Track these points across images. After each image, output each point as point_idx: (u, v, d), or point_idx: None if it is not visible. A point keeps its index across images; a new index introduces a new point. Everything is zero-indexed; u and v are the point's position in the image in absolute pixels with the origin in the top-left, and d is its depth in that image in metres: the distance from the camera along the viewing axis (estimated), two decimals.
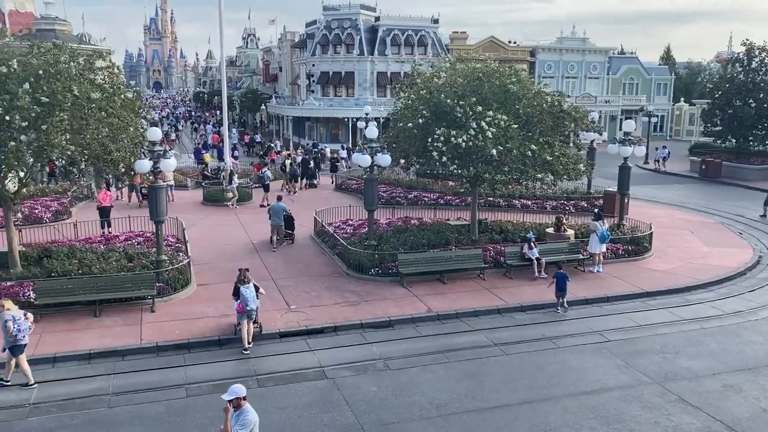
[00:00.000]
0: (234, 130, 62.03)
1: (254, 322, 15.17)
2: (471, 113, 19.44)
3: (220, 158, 39.08)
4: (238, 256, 21.36)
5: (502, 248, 20.95)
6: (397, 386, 13.00)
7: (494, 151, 19.21)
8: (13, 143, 15.79)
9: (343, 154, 45.79)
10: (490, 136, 19.17)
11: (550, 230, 22.96)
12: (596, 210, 23.84)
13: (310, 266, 21.00)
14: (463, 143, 19.02)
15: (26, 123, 15.71)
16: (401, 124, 21.40)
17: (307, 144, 56.60)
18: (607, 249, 21.43)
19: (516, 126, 19.92)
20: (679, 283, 19.80)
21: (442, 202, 30.02)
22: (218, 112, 77.38)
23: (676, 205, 32.79)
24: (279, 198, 25.12)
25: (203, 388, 12.84)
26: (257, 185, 33.67)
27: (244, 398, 8.72)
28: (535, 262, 19.94)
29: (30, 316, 13.13)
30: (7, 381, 12.79)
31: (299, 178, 35.92)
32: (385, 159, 20.29)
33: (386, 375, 13.58)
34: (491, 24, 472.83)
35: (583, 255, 21.09)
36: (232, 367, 13.89)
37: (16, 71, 15.97)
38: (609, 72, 71.61)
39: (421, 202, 30.07)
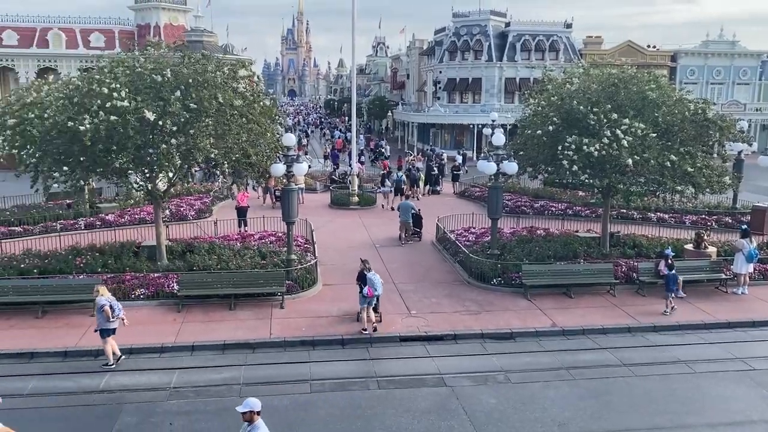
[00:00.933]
0: (361, 136, 63.78)
1: (374, 311, 15.99)
2: (605, 121, 18.63)
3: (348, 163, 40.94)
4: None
5: (635, 264, 19.85)
6: (517, 400, 12.69)
7: (630, 161, 18.25)
8: (164, 146, 17.23)
9: (459, 159, 45.65)
10: (626, 145, 18.24)
11: (689, 247, 21.44)
12: (743, 227, 21.92)
13: (430, 272, 21.06)
14: (596, 152, 18.24)
15: (176, 127, 17.06)
16: (529, 131, 20.89)
17: (427, 149, 57.00)
18: (755, 269, 19.68)
19: (654, 135, 18.81)
20: None
21: (570, 212, 28.99)
22: (347, 118, 79.86)
23: None
24: (407, 197, 26.09)
25: (326, 386, 13.24)
26: (379, 191, 34.58)
27: (258, 413, 8.61)
28: None
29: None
30: (112, 365, 13.81)
31: (423, 184, 36.23)
32: (511, 167, 19.93)
33: (507, 388, 13.29)
34: (629, 27, 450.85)
35: (725, 275, 19.51)
36: (354, 367, 14.21)
37: (169, 80, 17.38)
38: (762, 77, 65.67)
39: (547, 212, 29.22)
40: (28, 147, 17.12)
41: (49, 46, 52.45)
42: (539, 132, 19.91)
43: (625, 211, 27.61)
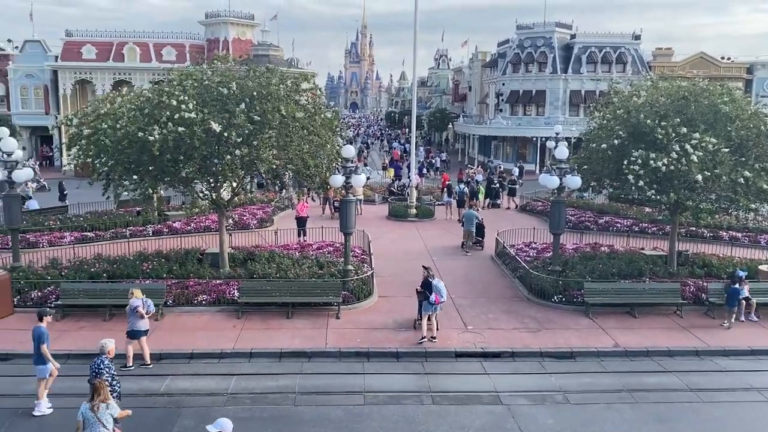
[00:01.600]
0: (421, 149, 63.86)
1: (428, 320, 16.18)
2: (674, 135, 17.97)
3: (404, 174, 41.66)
4: (419, 272, 21.67)
5: (704, 284, 19.00)
6: (576, 422, 12.29)
7: (699, 177, 17.53)
8: (229, 157, 17.68)
9: (516, 172, 45.01)
10: (695, 161, 17.53)
11: (764, 267, 20.37)
12: None
13: (489, 287, 20.75)
14: (664, 167, 17.61)
15: (240, 139, 17.49)
16: (594, 145, 20.40)
17: (489, 162, 56.47)
18: None
19: (727, 150, 18.02)
20: None
21: (636, 229, 28.05)
22: (407, 130, 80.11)
23: None
24: (470, 206, 27.32)
25: (379, 398, 13.18)
26: (440, 203, 34.54)
27: None
28: (744, 302, 17.76)
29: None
30: (131, 366, 14.20)
31: (483, 197, 35.89)
32: (574, 181, 19.46)
33: (565, 408, 12.90)
34: (702, 38, 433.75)
35: None
36: (408, 380, 14.09)
37: (234, 93, 17.85)
38: None
39: (612, 228, 28.37)
40: (101, 156, 17.88)
41: (125, 60, 55.03)
42: (604, 146, 19.40)
43: (694, 228, 26.58)
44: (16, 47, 56.65)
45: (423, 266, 17.20)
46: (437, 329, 16.24)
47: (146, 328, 14.39)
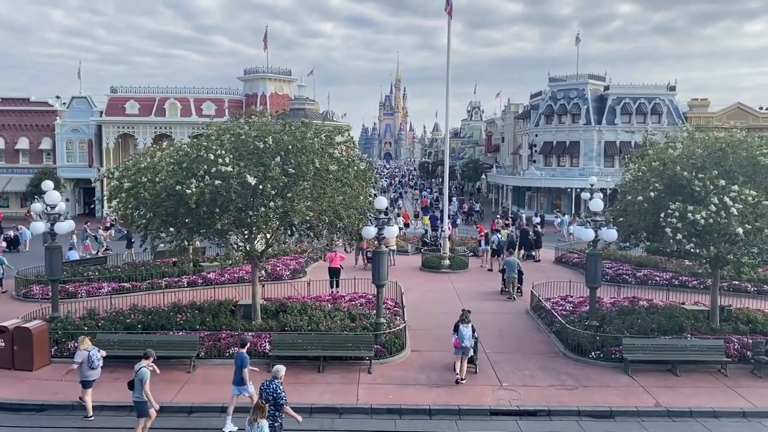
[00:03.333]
0: (454, 199, 63.95)
1: (471, 363, 17.06)
2: (712, 187, 17.65)
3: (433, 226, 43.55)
4: (452, 324, 21.42)
5: (749, 341, 18.28)
6: None
7: (740, 230, 17.10)
8: (263, 209, 17.94)
9: (537, 220, 45.07)
10: (735, 213, 17.13)
11: None
12: None
13: (523, 342, 20.29)
14: (702, 220, 17.23)
15: (275, 191, 17.77)
16: (630, 197, 20.13)
17: (517, 211, 56.25)
18: None
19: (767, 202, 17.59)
20: None
21: (676, 282, 27.31)
22: (440, 180, 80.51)
23: None
24: (510, 254, 28.22)
25: None
26: (474, 254, 34.34)
27: None
28: None
29: (103, 352, 14.84)
30: (90, 417, 14.26)
31: (517, 249, 35.50)
32: (610, 234, 19.17)
33: None
34: (740, 88, 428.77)
35: None
36: None
37: (270, 146, 18.24)
38: None
39: (651, 282, 27.70)
40: (140, 208, 18.32)
41: (166, 114, 56.98)
42: (640, 198, 19.12)
43: (737, 282, 25.70)
44: (64, 103, 59.20)
45: (462, 309, 18.01)
46: (474, 372, 17.12)
47: (95, 378, 14.55)
